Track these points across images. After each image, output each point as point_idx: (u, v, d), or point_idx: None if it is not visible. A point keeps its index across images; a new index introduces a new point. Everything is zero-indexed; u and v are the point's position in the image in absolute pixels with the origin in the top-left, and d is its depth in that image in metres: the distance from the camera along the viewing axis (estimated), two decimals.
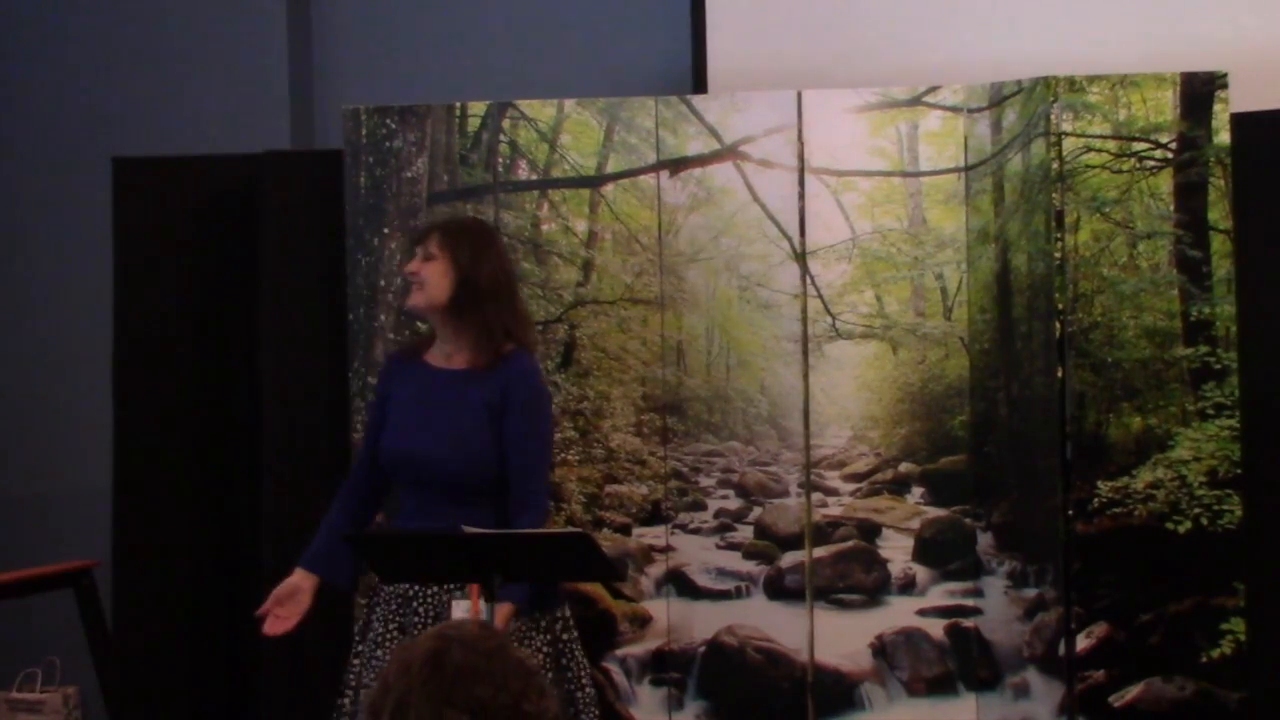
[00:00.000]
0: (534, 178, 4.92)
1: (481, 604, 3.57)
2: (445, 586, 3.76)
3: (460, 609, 3.63)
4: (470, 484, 3.77)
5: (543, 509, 3.84)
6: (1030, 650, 4.63)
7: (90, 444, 5.54)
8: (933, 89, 4.87)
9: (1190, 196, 4.61)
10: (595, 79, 5.52)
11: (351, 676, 3.85)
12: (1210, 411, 4.56)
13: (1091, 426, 4.59)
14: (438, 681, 2.05)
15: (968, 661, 4.79)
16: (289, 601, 3.85)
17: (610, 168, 4.90)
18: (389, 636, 3.77)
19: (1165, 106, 4.62)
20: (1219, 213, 4.60)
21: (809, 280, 4.84)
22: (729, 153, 4.87)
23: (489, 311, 3.82)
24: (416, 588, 3.79)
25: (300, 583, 3.87)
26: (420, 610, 3.77)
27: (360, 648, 3.85)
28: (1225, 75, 4.61)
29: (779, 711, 4.78)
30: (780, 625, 4.80)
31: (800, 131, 4.83)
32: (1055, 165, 4.59)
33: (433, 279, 3.81)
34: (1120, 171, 4.62)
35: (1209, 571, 4.51)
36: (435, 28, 5.84)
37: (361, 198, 4.87)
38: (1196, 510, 4.53)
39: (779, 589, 4.83)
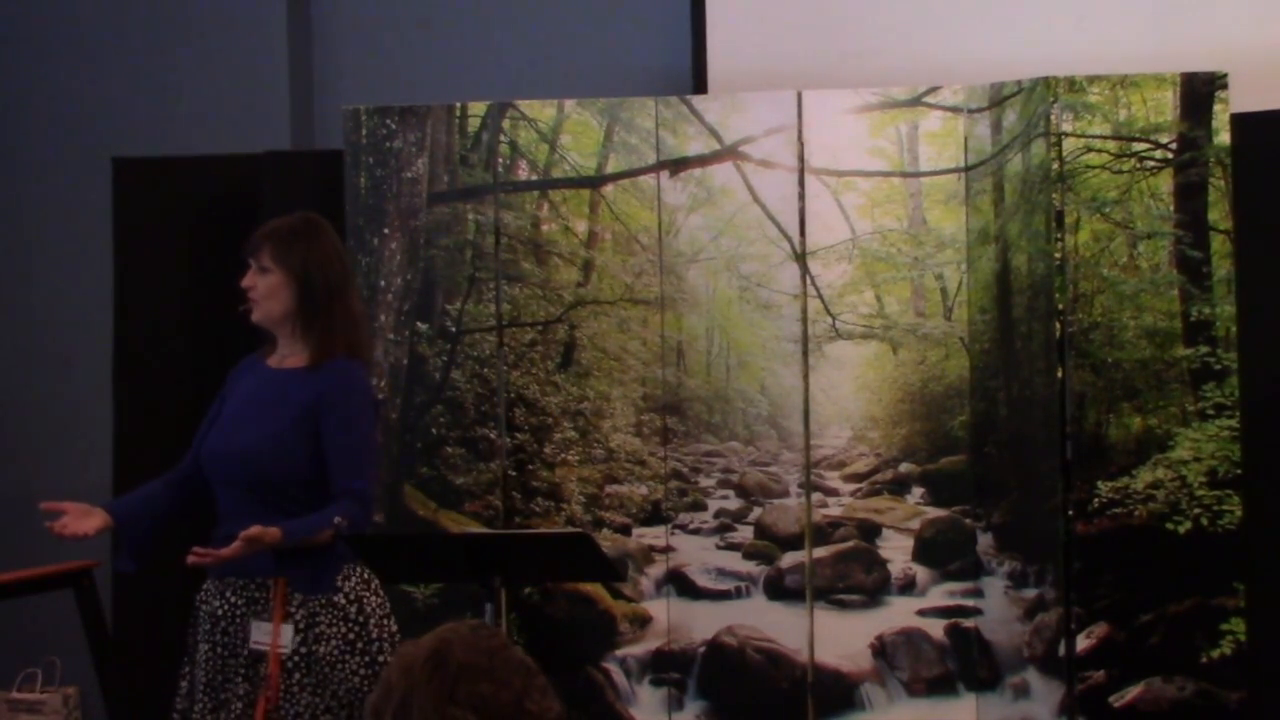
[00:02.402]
0: (534, 178, 4.92)
1: (284, 628, 3.54)
2: (251, 608, 3.64)
3: (260, 630, 3.58)
4: (279, 485, 3.63)
5: (360, 502, 3.63)
6: (1030, 650, 4.63)
7: (90, 444, 5.54)
8: (933, 89, 4.87)
9: (1190, 196, 4.61)
10: (595, 79, 5.52)
11: (180, 700, 3.76)
12: (1210, 411, 4.56)
13: (1091, 426, 4.59)
14: (440, 680, 2.05)
15: (968, 662, 4.79)
16: (82, 517, 3.67)
17: (610, 168, 4.90)
18: (211, 656, 3.68)
19: (1165, 107, 4.62)
20: (1219, 213, 4.60)
21: (809, 280, 4.84)
22: (729, 153, 4.87)
23: (333, 314, 3.74)
24: (224, 608, 3.66)
25: (99, 514, 3.71)
26: (230, 631, 3.66)
27: (187, 669, 3.76)
28: (1225, 75, 4.61)
29: (779, 711, 4.78)
30: (780, 625, 4.80)
31: (800, 132, 4.83)
32: (1055, 165, 4.59)
33: (268, 293, 3.73)
34: (1120, 172, 4.62)
35: (1209, 571, 4.51)
36: (435, 28, 5.83)
37: (361, 198, 4.87)
38: (1196, 510, 4.53)
39: (779, 589, 4.83)
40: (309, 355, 3.74)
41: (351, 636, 3.65)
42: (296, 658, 3.59)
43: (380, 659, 3.67)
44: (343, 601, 3.65)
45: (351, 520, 3.57)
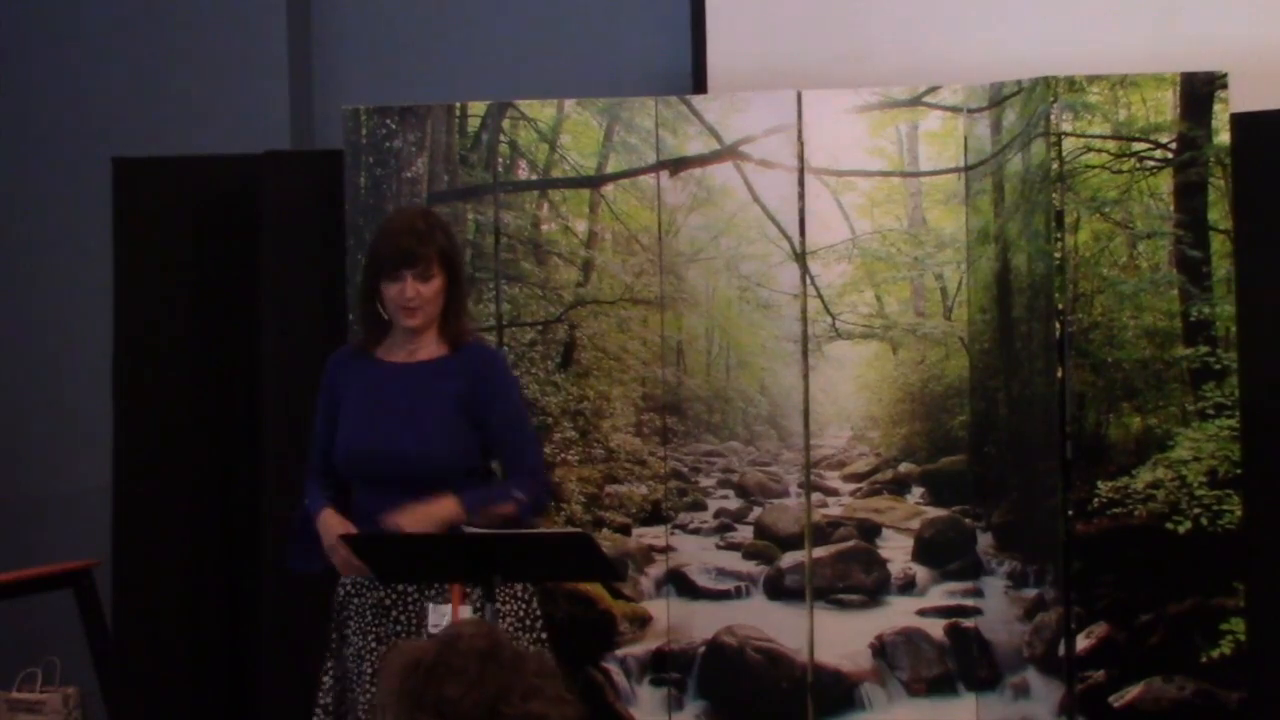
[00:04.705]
0: (534, 178, 4.92)
1: (463, 608, 3.56)
2: (424, 592, 3.71)
3: (438, 614, 3.60)
4: (443, 477, 3.70)
5: (538, 480, 3.80)
6: (1030, 650, 4.63)
7: (90, 444, 5.54)
8: (933, 89, 4.87)
9: (1190, 196, 4.61)
10: (595, 79, 5.52)
11: (322, 695, 3.78)
12: (1210, 411, 4.56)
13: (1091, 426, 4.59)
14: (412, 683, 2.03)
15: (968, 661, 4.78)
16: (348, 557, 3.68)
17: (610, 168, 4.90)
18: (367, 649, 3.71)
19: (1165, 106, 4.62)
20: (1219, 213, 4.60)
21: (809, 280, 4.84)
22: (729, 153, 4.87)
23: (466, 301, 3.94)
24: (394, 597, 3.73)
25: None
26: (401, 619, 3.71)
27: (331, 664, 3.79)
28: (1225, 75, 4.61)
29: (779, 711, 4.78)
30: (780, 625, 4.80)
31: (800, 131, 4.83)
32: (1055, 165, 4.59)
33: (433, 297, 3.77)
34: (1120, 171, 4.62)
35: (1209, 571, 4.51)
36: (435, 28, 5.83)
37: (361, 198, 4.87)
38: (1196, 510, 4.53)
39: (779, 589, 4.83)
40: (448, 343, 3.81)
41: (522, 613, 3.73)
42: None
43: (544, 636, 3.76)
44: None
45: (532, 498, 3.72)
